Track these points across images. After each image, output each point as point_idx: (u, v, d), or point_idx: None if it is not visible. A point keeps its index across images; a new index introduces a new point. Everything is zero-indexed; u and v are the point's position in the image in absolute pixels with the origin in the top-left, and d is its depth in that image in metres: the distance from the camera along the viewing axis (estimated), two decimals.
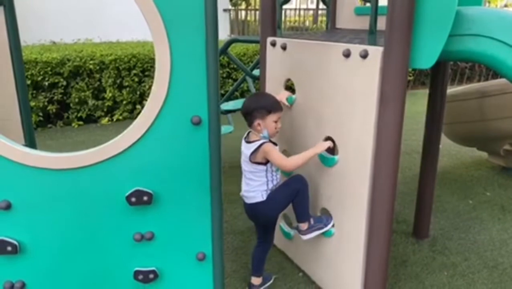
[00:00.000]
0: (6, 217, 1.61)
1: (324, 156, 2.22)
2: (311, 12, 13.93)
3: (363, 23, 2.91)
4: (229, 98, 4.36)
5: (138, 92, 6.02)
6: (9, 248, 1.62)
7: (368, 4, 3.24)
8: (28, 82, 5.31)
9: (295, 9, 13.41)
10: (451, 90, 3.68)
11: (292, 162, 2.12)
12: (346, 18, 3.23)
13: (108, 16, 9.04)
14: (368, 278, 2.13)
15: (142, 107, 4.84)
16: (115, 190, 1.63)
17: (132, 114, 6.07)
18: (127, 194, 1.62)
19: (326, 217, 2.30)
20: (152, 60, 5.85)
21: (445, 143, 4.35)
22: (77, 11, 8.82)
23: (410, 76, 8.21)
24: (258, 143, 2.11)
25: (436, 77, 2.75)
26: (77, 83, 5.72)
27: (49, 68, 5.51)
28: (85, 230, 1.68)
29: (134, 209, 1.65)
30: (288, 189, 2.21)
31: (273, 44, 2.49)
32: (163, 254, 1.75)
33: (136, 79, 5.95)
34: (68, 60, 5.62)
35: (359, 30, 2.99)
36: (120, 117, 6.05)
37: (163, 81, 1.53)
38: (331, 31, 3.17)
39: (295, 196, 2.19)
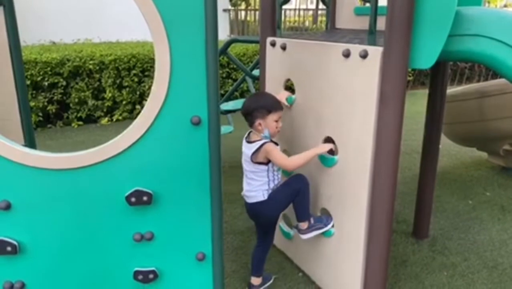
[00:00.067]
0: (5, 217, 1.61)
1: (324, 156, 2.22)
2: (310, 12, 13.93)
3: (363, 23, 2.92)
4: (229, 99, 4.36)
5: (137, 93, 6.02)
6: (8, 248, 1.62)
7: (367, 4, 3.24)
8: (28, 82, 5.30)
9: (295, 9, 13.41)
10: (450, 90, 3.68)
11: (294, 162, 2.13)
12: (346, 18, 3.23)
13: (107, 16, 9.04)
14: (368, 278, 2.13)
15: (142, 107, 4.84)
16: (115, 190, 1.63)
17: (132, 114, 6.07)
18: (126, 194, 1.62)
19: (326, 217, 2.30)
20: (152, 60, 5.85)
21: (445, 143, 4.35)
22: (76, 11, 8.82)
23: (409, 76, 8.21)
24: (259, 143, 2.11)
25: (435, 77, 2.75)
26: (76, 83, 5.72)
27: (48, 68, 5.51)
28: (84, 230, 1.68)
29: (134, 209, 1.65)
30: (289, 188, 2.21)
31: (273, 44, 2.49)
32: (162, 254, 1.75)
33: (136, 80, 5.95)
34: (68, 60, 5.62)
35: (359, 30, 2.99)
36: (120, 118, 6.05)
37: (163, 81, 1.53)
38: (331, 31, 3.18)
39: (296, 195, 2.19)
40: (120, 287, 1.77)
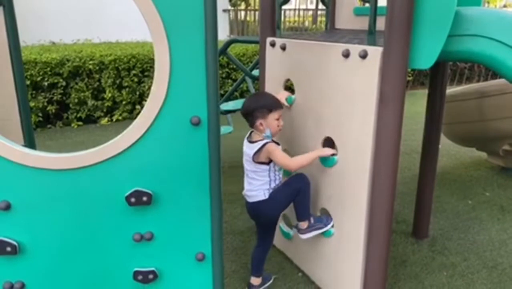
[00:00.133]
0: (5, 217, 1.61)
1: (324, 156, 2.22)
2: (310, 12, 13.92)
3: (362, 23, 2.91)
4: (228, 99, 4.36)
5: (137, 93, 6.02)
6: (8, 249, 1.62)
7: (367, 5, 3.24)
8: (28, 82, 5.30)
9: (295, 10, 13.41)
10: (450, 90, 3.68)
11: (296, 162, 2.13)
12: (346, 19, 3.23)
13: (107, 16, 9.04)
14: (367, 278, 2.13)
15: (142, 107, 4.84)
16: (115, 190, 1.63)
17: (132, 114, 6.07)
18: (126, 194, 1.62)
19: (326, 217, 2.30)
20: (152, 60, 5.85)
21: (445, 143, 4.35)
22: (76, 11, 8.82)
23: (409, 76, 8.21)
24: (261, 143, 2.11)
25: (435, 78, 2.75)
26: (76, 83, 5.72)
27: (48, 69, 5.51)
28: (84, 230, 1.68)
29: (134, 209, 1.65)
30: (290, 188, 2.21)
31: (273, 44, 2.50)
32: (162, 254, 1.75)
33: (136, 80, 5.95)
34: (68, 60, 5.62)
35: (359, 30, 2.99)
36: (120, 118, 6.05)
37: (163, 81, 1.53)
38: (331, 31, 3.18)
39: (296, 194, 2.20)
40: (119, 288, 1.77)
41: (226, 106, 4.12)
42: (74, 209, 1.64)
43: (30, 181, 1.58)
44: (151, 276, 1.74)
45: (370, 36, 2.23)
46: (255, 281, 2.42)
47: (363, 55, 1.88)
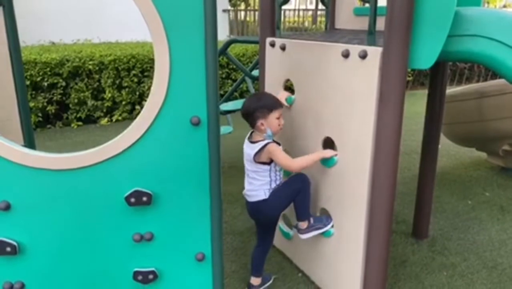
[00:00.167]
0: (5, 217, 1.61)
1: None
2: (310, 12, 13.93)
3: (362, 23, 2.92)
4: (228, 99, 4.36)
5: (137, 93, 6.01)
6: (8, 249, 1.62)
7: (367, 5, 3.24)
8: (28, 82, 5.30)
9: (294, 10, 13.41)
10: (450, 90, 3.68)
11: (298, 164, 2.14)
12: (345, 19, 3.23)
13: (107, 16, 9.04)
14: (367, 278, 2.13)
15: (142, 107, 4.83)
16: (114, 190, 1.63)
17: (132, 114, 6.07)
18: (126, 194, 1.62)
19: (326, 217, 2.30)
20: (152, 60, 5.85)
21: (444, 143, 4.35)
22: (76, 11, 8.82)
23: (409, 76, 8.21)
24: (262, 143, 2.11)
25: (435, 78, 2.75)
26: (76, 83, 5.72)
27: (48, 69, 5.50)
28: (84, 230, 1.68)
29: (133, 209, 1.65)
30: (290, 187, 2.22)
31: (272, 44, 2.50)
32: (162, 254, 1.75)
33: (136, 80, 5.95)
34: (67, 60, 5.61)
35: (358, 30, 2.99)
36: (120, 118, 6.05)
37: (162, 81, 1.53)
38: (330, 31, 3.18)
39: (296, 194, 2.20)
40: (119, 288, 1.77)
41: (226, 106, 4.12)
42: (74, 209, 1.64)
43: (30, 181, 1.58)
44: (151, 276, 1.74)
45: (370, 36, 2.23)
46: (255, 281, 2.42)
47: (363, 56, 1.88)
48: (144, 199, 1.62)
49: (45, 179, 1.59)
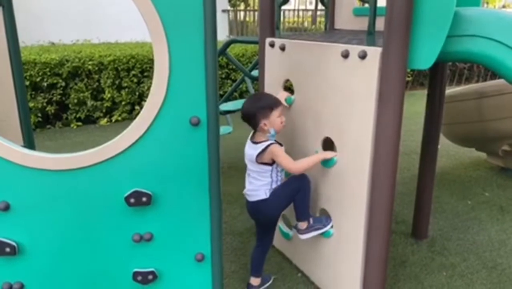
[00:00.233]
0: (4, 218, 1.61)
1: None
2: (309, 13, 13.94)
3: (362, 24, 2.92)
4: (228, 99, 4.36)
5: (137, 93, 6.01)
6: (7, 249, 1.62)
7: (366, 5, 3.24)
8: (27, 83, 5.30)
9: (294, 10, 13.41)
10: (449, 91, 3.68)
11: (300, 166, 2.14)
12: (345, 19, 3.23)
13: (107, 16, 9.04)
14: (367, 278, 2.13)
15: (141, 108, 4.83)
16: (114, 190, 1.63)
17: (131, 115, 6.06)
18: (126, 194, 1.62)
19: (325, 217, 2.30)
20: (151, 61, 5.85)
21: (444, 144, 4.36)
22: (76, 11, 8.82)
23: (408, 77, 8.21)
24: (265, 144, 2.11)
25: (434, 78, 2.75)
26: (76, 84, 5.72)
27: (48, 69, 5.50)
28: (84, 231, 1.68)
29: (133, 210, 1.65)
30: (291, 187, 2.22)
31: (272, 45, 2.50)
32: (162, 255, 1.75)
33: (135, 80, 5.95)
34: (67, 61, 5.61)
35: (358, 31, 2.99)
36: (119, 118, 6.05)
37: (162, 82, 1.53)
38: (330, 32, 3.18)
39: (296, 193, 2.20)
40: (119, 288, 1.77)
41: (225, 106, 4.12)
42: (73, 210, 1.64)
43: (29, 182, 1.58)
44: (150, 277, 1.74)
45: (370, 36, 2.23)
46: (254, 281, 2.42)
47: (363, 56, 1.88)
48: (144, 199, 1.62)
49: (45, 179, 1.59)
